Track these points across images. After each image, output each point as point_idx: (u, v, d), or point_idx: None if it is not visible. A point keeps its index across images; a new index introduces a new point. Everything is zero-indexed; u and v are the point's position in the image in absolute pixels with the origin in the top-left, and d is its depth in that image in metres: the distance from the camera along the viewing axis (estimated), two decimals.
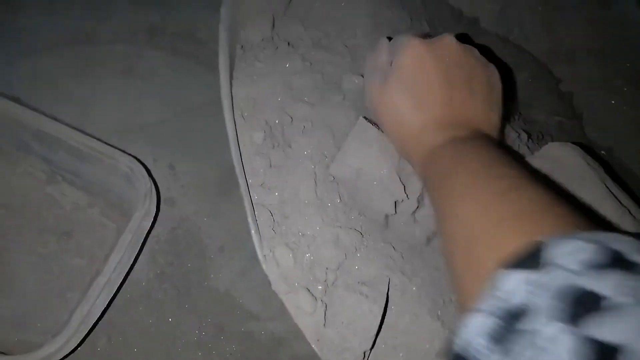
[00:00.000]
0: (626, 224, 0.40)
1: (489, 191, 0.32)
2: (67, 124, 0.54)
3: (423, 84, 0.41)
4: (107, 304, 0.48)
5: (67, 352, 0.45)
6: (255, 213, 0.43)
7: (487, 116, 0.43)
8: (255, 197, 0.44)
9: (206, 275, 0.60)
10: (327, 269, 0.41)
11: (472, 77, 0.43)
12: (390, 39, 0.47)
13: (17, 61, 0.66)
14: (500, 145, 0.40)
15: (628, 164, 0.68)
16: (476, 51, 0.45)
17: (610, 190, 0.42)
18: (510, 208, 0.30)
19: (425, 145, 0.40)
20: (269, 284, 0.59)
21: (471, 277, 0.30)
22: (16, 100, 0.54)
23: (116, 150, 0.52)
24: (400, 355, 0.40)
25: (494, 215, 0.30)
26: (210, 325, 0.57)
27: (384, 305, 0.38)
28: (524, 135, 0.54)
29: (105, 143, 0.53)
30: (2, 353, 0.44)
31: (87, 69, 0.68)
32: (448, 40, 0.43)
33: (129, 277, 0.56)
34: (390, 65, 0.43)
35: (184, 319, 0.57)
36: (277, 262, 0.41)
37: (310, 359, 0.58)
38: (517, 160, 0.39)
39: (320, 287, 0.41)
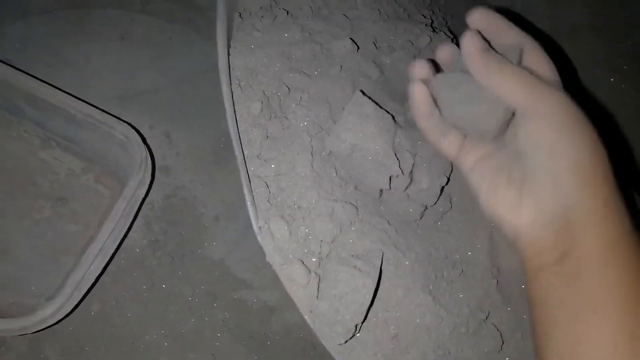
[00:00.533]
0: None
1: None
2: (61, 90, 0.53)
3: (572, 139, 0.32)
4: (101, 271, 0.48)
5: (62, 317, 0.46)
6: (251, 184, 0.42)
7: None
8: (251, 169, 0.43)
9: (200, 243, 0.60)
10: (321, 241, 0.42)
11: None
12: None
13: (9, 24, 0.64)
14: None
15: (628, 142, 0.68)
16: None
17: None
18: None
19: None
20: (264, 254, 0.60)
21: None
22: (7, 63, 0.53)
23: (112, 117, 0.52)
24: (392, 329, 0.41)
25: None
26: (203, 293, 0.58)
27: (377, 280, 0.38)
28: None
29: (101, 110, 0.52)
30: None
31: (81, 34, 0.66)
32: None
33: (123, 244, 0.56)
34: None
35: (177, 286, 0.58)
36: (272, 233, 0.41)
37: (301, 328, 0.60)
38: None
39: (314, 260, 0.41)
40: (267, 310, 0.59)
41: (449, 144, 0.38)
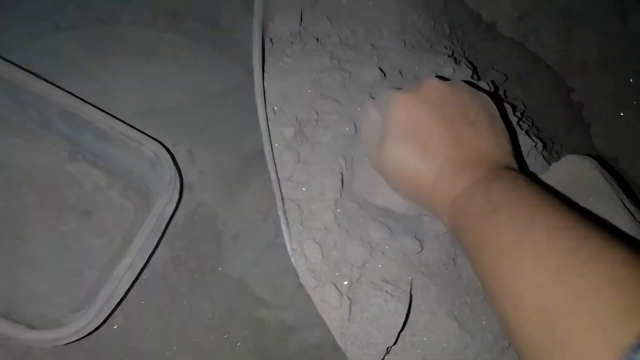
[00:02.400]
0: None
1: (558, 250, 0.30)
2: (93, 105, 0.54)
3: (420, 131, 0.40)
4: (130, 286, 0.49)
5: (92, 329, 0.47)
6: (284, 207, 0.44)
7: (498, 145, 0.41)
8: (283, 191, 0.45)
9: (221, 261, 0.61)
10: (352, 265, 0.43)
11: (468, 110, 0.41)
12: (373, 98, 0.48)
13: (39, 39, 0.66)
14: (527, 175, 0.39)
15: (633, 176, 0.70)
16: (463, 84, 0.44)
17: (625, 205, 0.44)
18: (596, 276, 0.28)
19: (446, 193, 0.38)
20: (282, 274, 0.61)
21: (560, 352, 0.28)
22: (39, 76, 0.54)
23: (142, 134, 0.53)
24: (418, 352, 0.42)
25: (581, 284, 0.28)
26: (222, 310, 0.59)
27: (407, 305, 0.40)
28: (540, 145, 0.56)
29: (132, 127, 0.53)
30: (28, 327, 0.45)
31: (108, 50, 0.68)
32: (431, 83, 0.42)
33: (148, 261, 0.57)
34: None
35: (198, 303, 0.58)
36: (306, 256, 0.42)
37: (318, 348, 0.61)
38: (555, 194, 0.38)
39: (345, 283, 0.42)
40: (284, 330, 0.60)
41: None
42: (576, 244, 0.30)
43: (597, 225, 0.31)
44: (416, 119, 0.40)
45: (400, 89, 0.43)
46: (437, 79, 0.43)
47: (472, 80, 0.54)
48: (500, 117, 0.44)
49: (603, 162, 0.49)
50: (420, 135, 0.40)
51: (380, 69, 0.53)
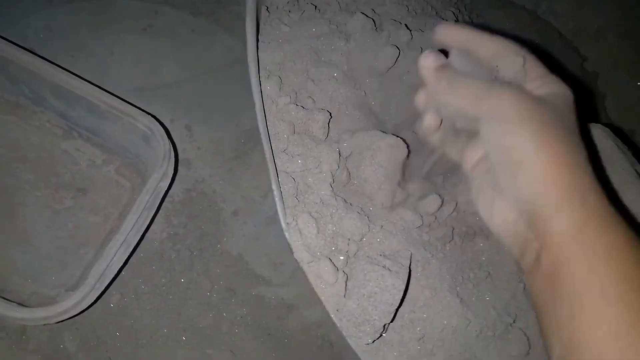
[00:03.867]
0: None
1: None
2: (86, 80, 0.53)
3: (531, 126, 0.31)
4: (123, 263, 0.48)
5: (84, 308, 0.46)
6: (279, 179, 0.42)
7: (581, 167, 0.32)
8: (278, 164, 0.43)
9: (219, 238, 0.60)
10: (349, 240, 0.41)
11: (568, 123, 0.33)
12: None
13: (33, 13, 0.64)
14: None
15: None
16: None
17: (638, 174, 0.41)
18: None
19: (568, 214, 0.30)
20: (282, 251, 0.59)
21: None
22: (33, 52, 0.53)
23: (136, 109, 0.51)
24: (418, 329, 0.41)
25: None
26: (221, 288, 0.58)
27: (406, 280, 0.38)
28: None
29: (125, 101, 0.52)
30: (19, 304, 0.44)
31: (105, 25, 0.66)
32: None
33: (144, 236, 0.56)
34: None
35: (196, 280, 0.57)
36: (300, 230, 0.40)
37: (319, 327, 0.59)
38: None
39: (342, 258, 0.40)
40: (285, 308, 0.58)
41: (456, 149, 0.38)
42: None
43: None
44: (527, 109, 0.32)
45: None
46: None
47: None
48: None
49: (617, 130, 0.46)
50: (532, 127, 0.31)
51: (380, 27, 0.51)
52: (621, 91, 0.71)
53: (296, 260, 0.40)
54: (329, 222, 0.41)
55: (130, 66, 0.65)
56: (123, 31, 0.66)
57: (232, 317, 0.57)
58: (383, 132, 0.44)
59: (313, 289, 0.41)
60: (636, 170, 0.41)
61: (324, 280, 0.39)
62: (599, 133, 0.44)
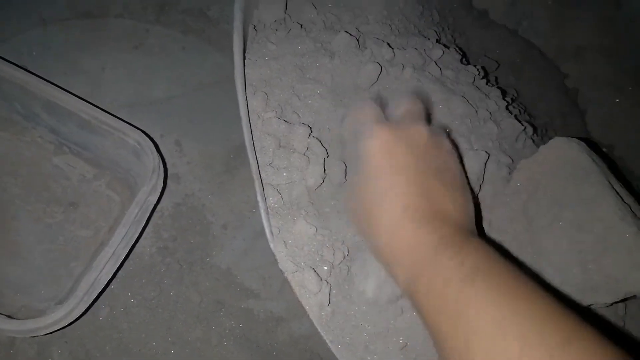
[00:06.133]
0: (627, 221, 0.41)
1: (548, 343, 0.28)
2: (77, 96, 0.54)
3: (392, 169, 0.36)
4: (112, 275, 0.49)
5: (72, 320, 0.46)
6: (265, 192, 0.43)
7: (464, 208, 0.38)
8: (263, 177, 0.44)
9: (208, 252, 0.60)
10: (334, 250, 0.42)
11: (445, 170, 0.38)
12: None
13: (27, 31, 0.66)
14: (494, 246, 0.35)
15: (628, 162, 0.69)
16: (447, 142, 0.40)
17: (613, 187, 0.43)
18: None
19: (406, 242, 0.35)
20: (271, 265, 0.60)
21: None
22: (25, 69, 0.54)
23: (125, 124, 0.53)
24: (401, 339, 0.41)
25: None
26: (210, 301, 0.58)
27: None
28: (530, 129, 0.55)
29: (115, 117, 0.53)
30: (8, 317, 0.45)
31: (97, 43, 0.68)
32: (419, 128, 0.38)
33: (133, 250, 0.57)
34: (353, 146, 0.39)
35: (185, 294, 0.58)
36: (285, 241, 0.41)
37: (307, 339, 0.60)
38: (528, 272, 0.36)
39: (325, 269, 0.41)
40: (273, 321, 0.59)
41: None
42: (566, 336, 0.28)
43: (583, 317, 0.29)
44: (392, 156, 0.37)
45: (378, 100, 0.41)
46: (425, 128, 0.39)
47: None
48: (469, 187, 0.41)
49: (592, 145, 0.48)
50: (390, 173, 0.37)
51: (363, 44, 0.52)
52: (600, 107, 0.73)
53: (281, 270, 0.41)
54: (313, 233, 0.42)
55: (121, 83, 0.66)
56: (115, 49, 0.68)
57: (221, 330, 0.57)
58: None
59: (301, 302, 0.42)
60: (610, 183, 0.43)
61: (307, 290, 0.40)
62: (574, 146, 0.45)
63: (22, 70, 0.53)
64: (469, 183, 0.41)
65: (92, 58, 0.66)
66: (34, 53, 0.65)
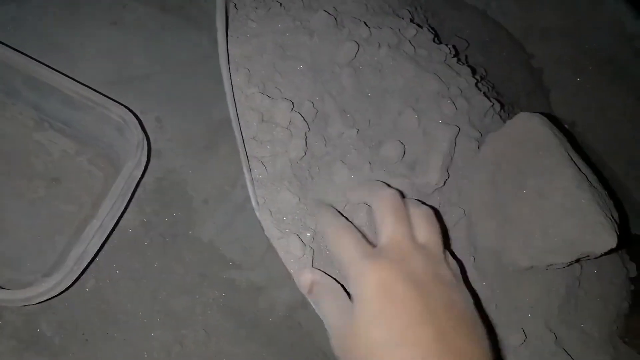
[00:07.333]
0: (583, 189, 0.45)
1: None
2: (59, 72, 0.54)
3: (398, 313, 0.33)
4: (100, 247, 0.50)
5: (61, 290, 0.48)
6: (249, 164, 0.45)
7: (484, 349, 0.34)
8: (248, 150, 0.46)
9: (191, 225, 0.62)
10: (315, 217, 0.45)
11: (455, 303, 0.35)
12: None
13: (2, 7, 0.65)
14: None
15: (588, 137, 0.73)
16: (455, 264, 0.38)
17: (571, 159, 0.46)
18: None
19: None
20: (251, 236, 0.62)
21: None
22: (4, 44, 0.54)
23: (109, 100, 0.53)
24: None
25: None
26: (194, 273, 0.60)
27: None
28: (497, 105, 0.58)
29: (98, 92, 0.54)
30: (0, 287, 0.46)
31: (74, 18, 0.67)
32: (418, 256, 0.36)
33: (118, 223, 0.58)
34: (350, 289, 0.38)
35: (169, 266, 0.60)
36: (270, 210, 0.44)
37: (287, 307, 0.63)
38: None
39: (308, 235, 0.44)
40: (255, 290, 0.61)
41: None
42: None
43: None
44: (394, 299, 0.34)
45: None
46: (426, 258, 0.36)
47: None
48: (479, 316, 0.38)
49: (555, 121, 0.52)
50: (398, 318, 0.33)
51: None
52: (564, 86, 0.77)
53: (267, 237, 0.44)
54: (296, 202, 0.45)
55: (100, 59, 0.66)
56: (92, 24, 0.68)
57: (204, 299, 0.59)
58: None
59: (281, 272, 0.44)
60: (569, 154, 0.46)
61: (292, 255, 0.43)
62: (537, 121, 0.49)
63: (3, 45, 0.53)
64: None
65: (69, 33, 0.66)
66: (9, 28, 0.65)
